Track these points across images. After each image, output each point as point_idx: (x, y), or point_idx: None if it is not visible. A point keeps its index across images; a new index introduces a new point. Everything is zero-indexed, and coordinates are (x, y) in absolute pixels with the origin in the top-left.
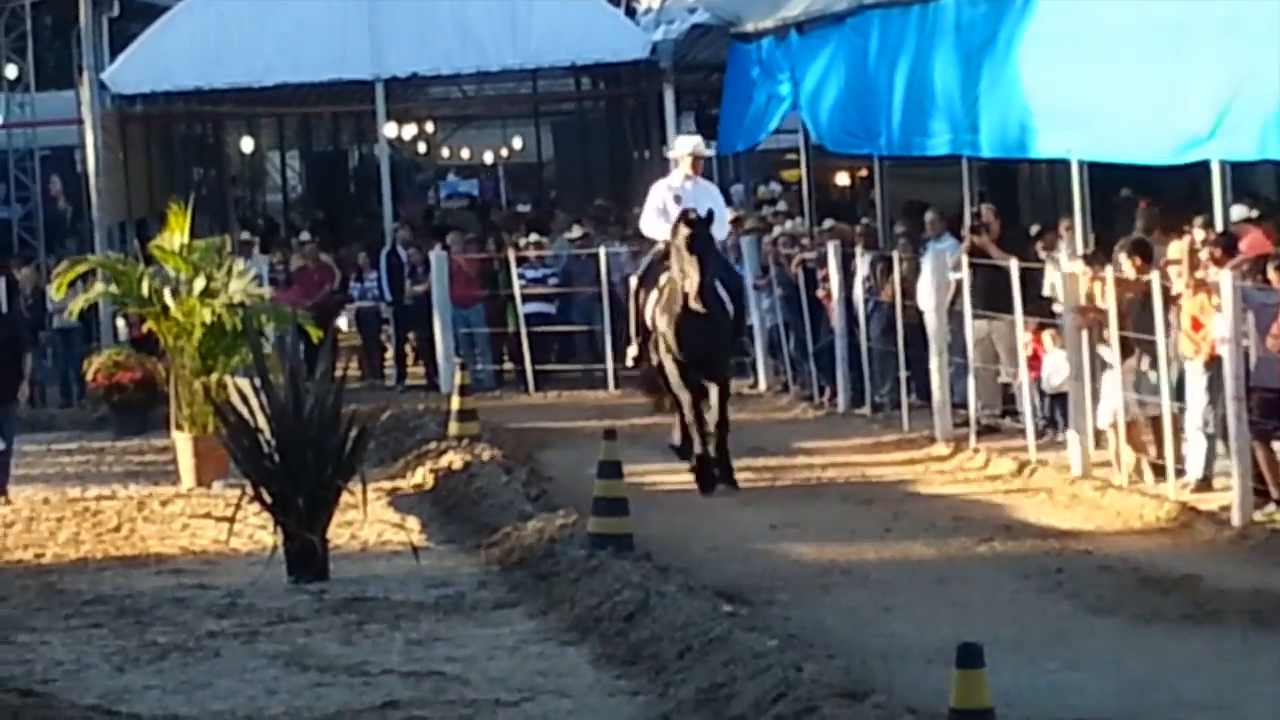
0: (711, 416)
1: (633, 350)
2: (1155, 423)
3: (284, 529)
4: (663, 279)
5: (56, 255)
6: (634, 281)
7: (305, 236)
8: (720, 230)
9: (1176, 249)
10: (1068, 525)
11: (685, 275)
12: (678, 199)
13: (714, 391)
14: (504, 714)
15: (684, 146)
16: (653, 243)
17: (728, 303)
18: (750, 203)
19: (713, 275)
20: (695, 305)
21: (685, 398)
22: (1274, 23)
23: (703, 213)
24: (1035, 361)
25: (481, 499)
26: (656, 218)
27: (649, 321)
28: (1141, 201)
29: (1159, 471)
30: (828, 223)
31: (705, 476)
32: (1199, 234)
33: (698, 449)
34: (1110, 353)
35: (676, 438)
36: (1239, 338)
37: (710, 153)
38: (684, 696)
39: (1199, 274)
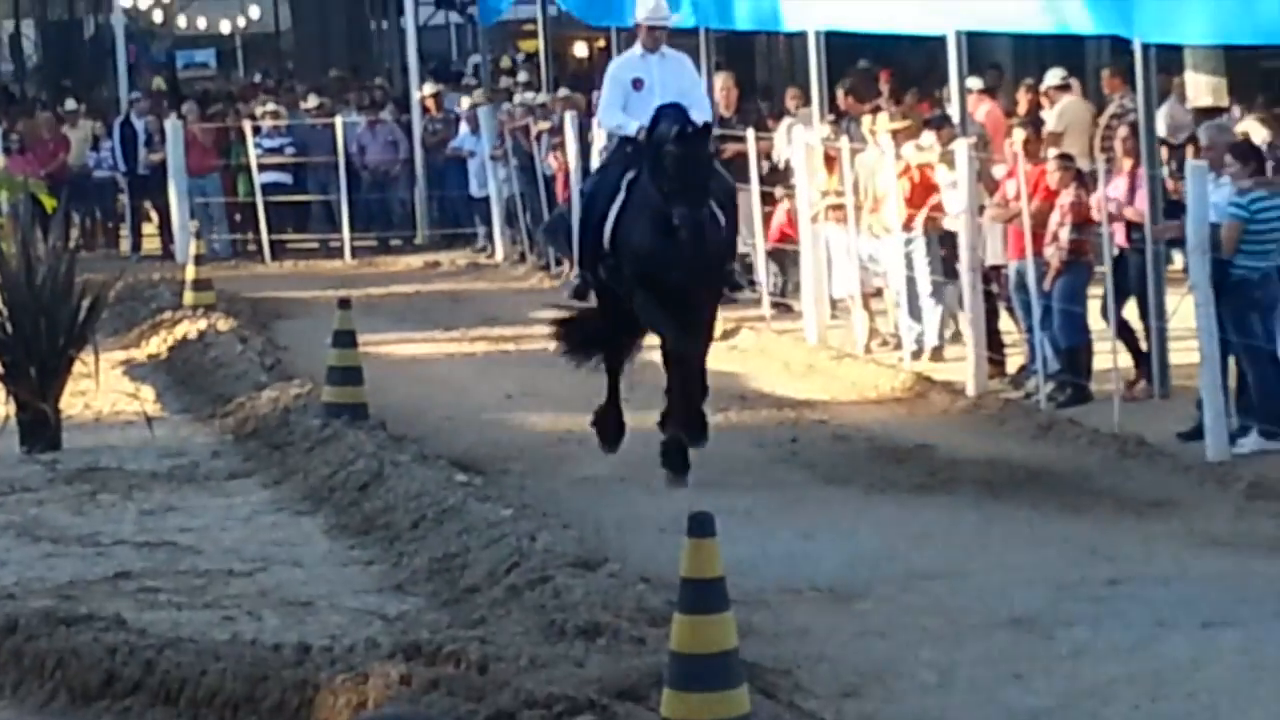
0: (681, 373)
1: (574, 278)
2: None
3: (16, 399)
4: (624, 183)
5: None
6: (576, 186)
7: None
8: (700, 115)
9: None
10: (803, 395)
11: (672, 204)
12: (638, 83)
13: (692, 334)
14: (236, 584)
15: (640, 10)
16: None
17: (721, 221)
18: (490, 73)
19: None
20: (686, 245)
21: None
22: None
23: (675, 97)
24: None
25: (216, 368)
26: (618, 106)
27: (607, 242)
28: (883, 72)
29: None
30: (563, 91)
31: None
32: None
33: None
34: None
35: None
36: (974, 210)
37: (672, 23)
38: (418, 566)
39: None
